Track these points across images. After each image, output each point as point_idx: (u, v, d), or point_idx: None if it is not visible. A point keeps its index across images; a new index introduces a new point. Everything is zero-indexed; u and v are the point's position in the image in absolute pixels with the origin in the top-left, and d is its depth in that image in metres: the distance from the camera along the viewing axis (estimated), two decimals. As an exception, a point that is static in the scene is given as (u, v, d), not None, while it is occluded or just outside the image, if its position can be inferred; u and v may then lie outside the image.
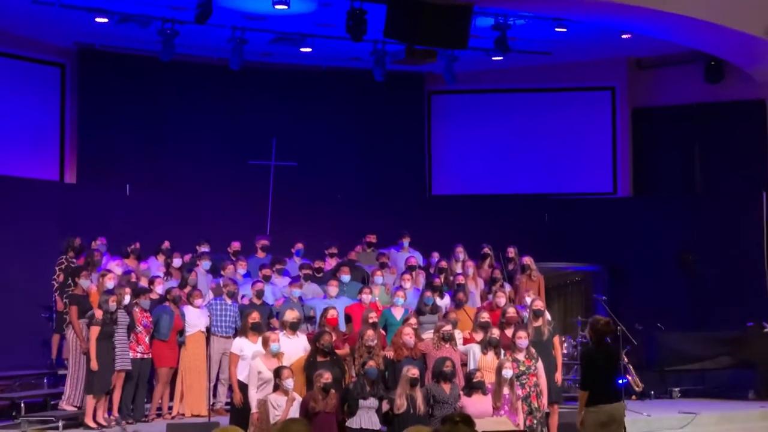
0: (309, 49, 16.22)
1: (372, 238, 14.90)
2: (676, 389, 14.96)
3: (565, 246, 16.86)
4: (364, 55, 16.01)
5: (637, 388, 14.40)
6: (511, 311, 11.91)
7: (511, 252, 14.47)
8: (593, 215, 17.41)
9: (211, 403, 12.39)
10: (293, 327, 11.23)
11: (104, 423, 11.76)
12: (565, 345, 15.08)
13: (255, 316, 11.47)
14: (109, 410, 12.01)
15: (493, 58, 16.53)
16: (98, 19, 14.55)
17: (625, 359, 14.03)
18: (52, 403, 12.68)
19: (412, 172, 18.20)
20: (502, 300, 12.61)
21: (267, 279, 13.24)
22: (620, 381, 12.92)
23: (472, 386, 10.45)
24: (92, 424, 11.63)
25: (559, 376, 11.79)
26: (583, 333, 14.88)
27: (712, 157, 17.59)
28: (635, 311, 15.88)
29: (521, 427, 10.41)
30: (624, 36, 16.25)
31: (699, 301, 16.84)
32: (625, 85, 18.06)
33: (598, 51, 17.22)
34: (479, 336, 11.59)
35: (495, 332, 11.27)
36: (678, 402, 14.41)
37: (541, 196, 18.10)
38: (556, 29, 15.49)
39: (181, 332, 12.55)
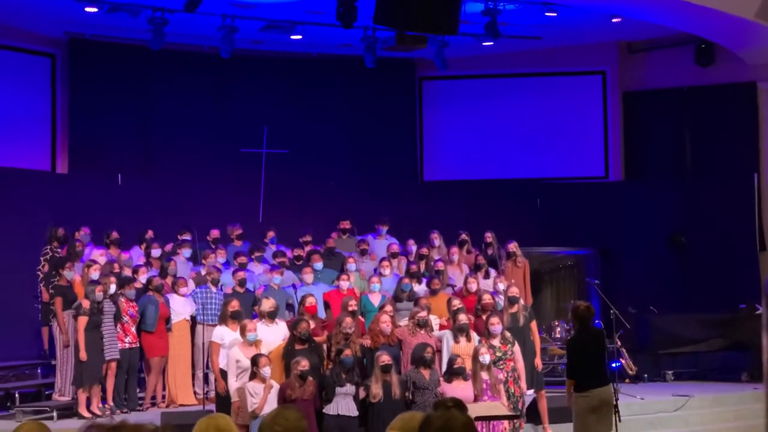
0: (299, 37, 16.19)
1: (346, 224, 14.95)
2: (670, 372, 15.02)
3: (558, 230, 16.89)
4: (354, 42, 15.99)
5: (630, 372, 14.46)
6: (487, 297, 11.92)
7: (489, 237, 14.52)
8: (585, 199, 17.43)
9: (204, 391, 12.43)
10: (271, 316, 11.26)
11: (99, 413, 11.79)
12: (558, 329, 15.16)
13: (234, 305, 11.49)
14: (103, 400, 12.04)
15: (484, 44, 16.51)
16: (88, 9, 14.51)
17: (618, 343, 14.10)
18: (47, 393, 12.73)
19: (404, 158, 18.20)
20: (473, 286, 12.62)
21: (243, 266, 13.23)
22: (613, 365, 13.04)
23: (453, 372, 10.46)
24: (86, 414, 11.67)
25: (538, 362, 11.80)
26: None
27: (703, 139, 17.61)
28: (628, 295, 15.93)
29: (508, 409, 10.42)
30: (614, 20, 16.23)
31: (691, 283, 16.89)
32: (616, 69, 18.06)
33: (588, 35, 17.21)
34: (453, 322, 11.60)
35: (462, 318, 11.26)
36: (671, 385, 14.48)
37: (533, 180, 18.11)
38: (546, 14, 15.46)
39: (168, 320, 12.57)
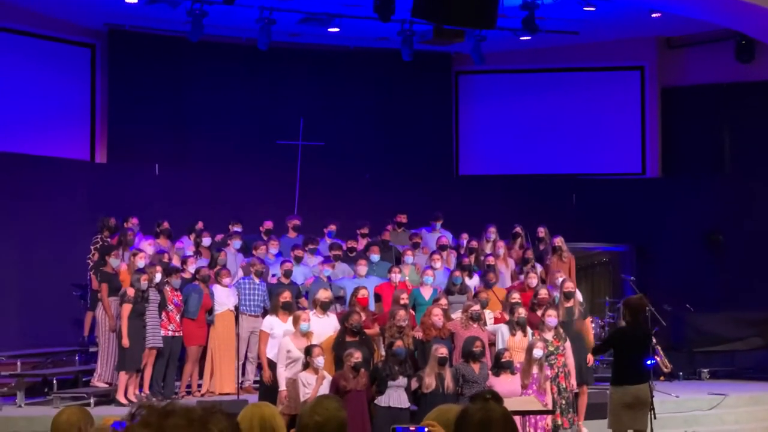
0: (337, 29, 16.22)
1: (402, 218, 14.94)
2: (705, 370, 14.91)
3: (593, 226, 16.82)
4: (391, 35, 15.97)
5: (665, 369, 14.34)
6: (543, 292, 11.90)
7: (542, 232, 14.46)
8: (621, 195, 17.34)
9: (239, 381, 12.50)
10: (324, 306, 11.30)
11: (135, 400, 11.89)
12: (593, 326, 15.08)
13: (286, 296, 11.53)
14: (140, 387, 12.15)
15: (521, 38, 16.44)
16: (128, 0, 14.62)
17: (654, 340, 14.00)
18: (84, 379, 12.85)
19: (440, 152, 18.18)
20: (533, 281, 12.60)
21: (299, 260, 13.29)
22: (648, 362, 12.96)
23: (501, 366, 10.48)
24: (123, 401, 11.78)
25: (590, 358, 11.78)
26: (611, 314, 14.88)
27: (742, 137, 17.45)
28: (664, 292, 15.82)
29: (549, 408, 10.42)
30: (653, 15, 16.12)
31: (728, 281, 16.75)
32: (655, 65, 17.92)
33: (627, 30, 17.10)
34: (510, 316, 11.61)
35: (521, 312, 11.27)
36: (707, 383, 14.37)
37: (569, 176, 18.04)
38: (585, 8, 15.39)
39: (210, 311, 12.65)
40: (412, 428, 3.99)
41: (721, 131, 17.62)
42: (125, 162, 16.27)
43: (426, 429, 3.90)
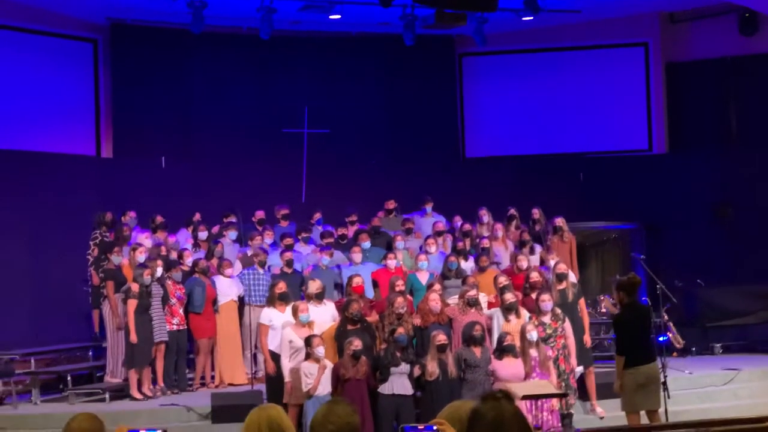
0: (338, 16, 16.19)
1: (391, 204, 14.93)
2: (718, 345, 14.90)
3: (601, 205, 16.77)
4: (393, 20, 15.92)
5: (678, 345, 14.35)
6: (535, 275, 11.85)
7: (536, 213, 14.42)
8: (629, 173, 17.30)
9: (253, 371, 12.55)
10: (318, 297, 11.32)
11: (150, 394, 11.96)
12: (604, 303, 15.07)
13: (282, 286, 11.54)
14: (154, 381, 12.20)
15: (524, 18, 16.38)
16: (128, -6, 14.62)
17: (665, 317, 14.00)
18: (98, 375, 12.91)
19: (446, 136, 18.15)
20: (524, 263, 12.53)
21: (289, 248, 13.27)
22: (661, 338, 12.96)
23: (504, 349, 10.45)
24: (138, 396, 11.84)
25: (587, 338, 11.77)
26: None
27: (748, 110, 17.37)
28: (674, 268, 15.77)
29: (557, 387, 10.42)
30: (656, -10, 16.06)
31: (738, 255, 16.71)
32: (658, 41, 17.84)
33: (629, 6, 17.01)
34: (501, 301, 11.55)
35: (509, 297, 11.21)
36: (720, 358, 14.37)
37: (576, 155, 17.99)
38: (587, -14, 15.33)
39: (215, 302, 12.69)
40: (420, 427, 3.99)
41: (726, 105, 17.55)
42: (131, 156, 16.28)
43: (435, 428, 3.90)
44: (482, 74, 18.45)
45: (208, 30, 15.27)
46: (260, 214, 14.38)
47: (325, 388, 10.15)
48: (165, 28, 16.34)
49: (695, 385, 12.61)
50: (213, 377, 12.87)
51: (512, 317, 11.11)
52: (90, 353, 13.76)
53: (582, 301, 11.94)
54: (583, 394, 11.64)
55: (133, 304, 11.83)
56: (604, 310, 14.81)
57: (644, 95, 17.96)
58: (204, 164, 16.61)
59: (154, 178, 15.98)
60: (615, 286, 10.01)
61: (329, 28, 17.11)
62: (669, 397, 10.15)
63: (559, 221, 13.99)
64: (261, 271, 12.86)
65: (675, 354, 14.19)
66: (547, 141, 18.09)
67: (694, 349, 14.72)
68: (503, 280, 11.67)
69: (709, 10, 17.24)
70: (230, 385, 12.64)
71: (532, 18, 16.18)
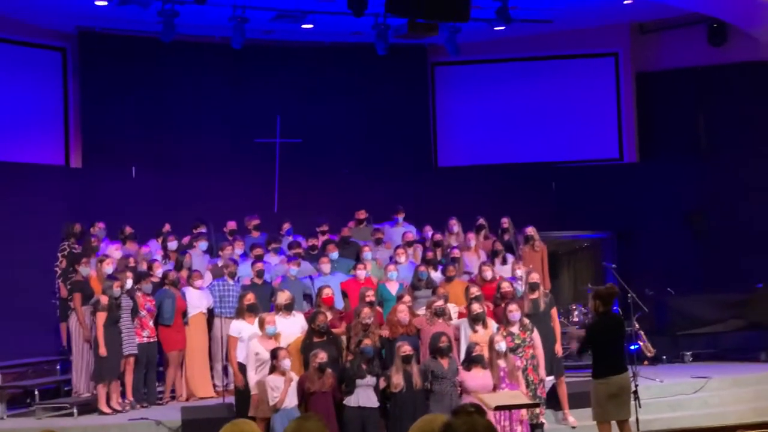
0: (310, 26, 16.16)
1: (361, 215, 14.90)
2: (688, 353, 14.97)
3: (573, 214, 16.87)
4: (366, 30, 15.92)
5: (649, 354, 14.41)
6: (506, 285, 11.86)
7: (505, 223, 14.44)
8: (600, 182, 17.40)
9: (224, 383, 12.46)
10: (287, 308, 11.26)
11: (119, 408, 11.82)
12: (576, 313, 15.12)
13: (250, 298, 11.46)
14: (123, 395, 12.07)
15: (495, 28, 16.44)
16: (98, 2, 14.53)
17: (637, 325, 14.06)
18: (66, 389, 12.75)
19: (418, 145, 18.16)
20: (488, 274, 12.52)
21: (259, 258, 13.21)
22: (632, 347, 13.00)
23: (472, 360, 10.42)
24: (106, 410, 11.70)
25: (559, 348, 11.78)
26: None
27: (717, 119, 17.52)
28: (645, 276, 15.86)
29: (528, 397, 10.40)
30: (626, 1, 16.15)
31: (708, 264, 16.84)
32: (628, 50, 17.96)
33: (600, 17, 17.12)
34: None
35: (476, 307, 11.20)
36: (690, 366, 14.44)
37: (548, 164, 18.07)
38: (558, -3, 15.41)
39: (185, 313, 12.59)
40: None
41: (696, 114, 17.68)
42: (101, 166, 16.16)
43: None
44: (454, 83, 18.49)
45: (179, 39, 15.19)
46: (232, 225, 14.32)
47: (291, 401, 10.07)
48: (135, 37, 16.24)
49: (666, 394, 12.65)
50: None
51: (479, 327, 11.10)
52: (58, 367, 13.58)
53: (554, 311, 11.94)
54: (555, 404, 11.65)
55: (102, 316, 11.69)
56: (576, 319, 14.86)
57: (615, 104, 18.07)
58: (175, 174, 16.51)
59: (124, 189, 15.86)
60: (592, 295, 10.02)
61: (302, 38, 17.09)
62: (640, 407, 10.18)
63: (530, 230, 14.03)
64: (231, 282, 12.79)
65: (646, 362, 14.25)
66: (519, 150, 18.15)
67: (664, 357, 14.79)
68: (475, 290, 11.66)
69: (679, 20, 17.37)
70: (200, 398, 12.52)
71: (504, 28, 16.23)
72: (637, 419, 10.09)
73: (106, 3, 14.49)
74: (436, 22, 13.86)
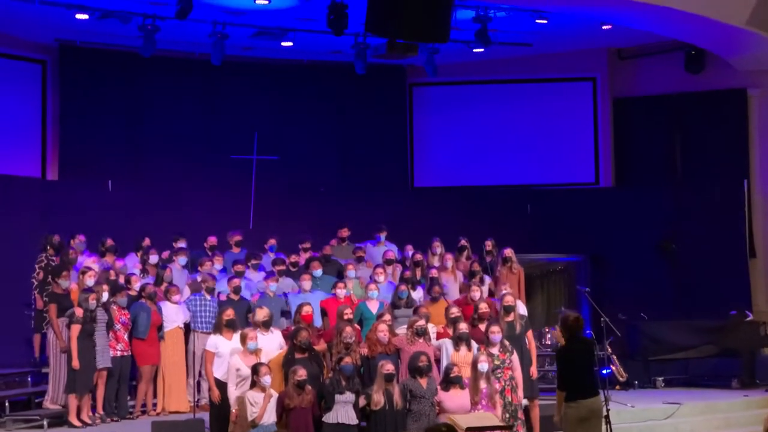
0: (290, 43, 16.21)
1: (344, 233, 14.89)
2: (660, 378, 15.01)
3: (548, 236, 16.91)
4: (345, 49, 15.99)
5: (621, 378, 14.45)
6: (483, 306, 11.84)
7: (489, 245, 14.47)
8: (575, 205, 17.45)
9: (196, 399, 12.40)
10: (265, 325, 11.24)
11: (89, 421, 11.75)
12: (549, 336, 15.14)
13: (229, 313, 11.41)
14: (93, 408, 12.00)
15: (475, 50, 16.56)
16: (78, 16, 14.49)
17: (609, 349, 14.10)
18: (37, 401, 12.65)
19: (395, 165, 18.20)
20: (476, 294, 12.51)
21: (240, 274, 13.18)
22: (604, 371, 13.03)
23: (450, 381, 10.42)
24: (76, 423, 11.63)
25: (534, 370, 11.78)
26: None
27: (694, 146, 17.66)
28: (618, 301, 15.95)
29: (501, 420, 10.41)
30: (604, 27, 16.28)
31: (682, 290, 16.92)
32: (606, 76, 18.10)
33: (578, 42, 17.25)
34: (452, 330, 11.55)
35: (463, 327, 11.23)
36: (662, 392, 14.46)
37: (524, 186, 18.15)
38: (537, 21, 15.51)
39: (160, 328, 12.54)
40: None
41: (672, 141, 17.82)
42: (77, 179, 16.10)
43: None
44: (432, 104, 18.56)
45: (159, 54, 15.20)
46: (212, 240, 14.27)
47: (270, 416, 10.06)
48: (115, 51, 16.23)
49: (637, 419, 12.69)
50: (155, 405, 12.67)
51: (463, 347, 11.11)
52: (29, 378, 13.46)
53: (530, 333, 11.95)
54: (528, 427, 11.64)
55: (76, 329, 11.63)
56: (549, 342, 14.89)
57: (592, 129, 18.19)
58: (151, 188, 16.46)
59: (100, 202, 15.78)
60: (560, 320, 10.03)
61: (281, 56, 17.12)
62: (611, 431, 10.19)
63: (508, 252, 14.03)
64: (208, 297, 12.75)
65: (618, 387, 14.28)
66: (495, 172, 18.22)
67: (636, 382, 14.81)
68: (455, 311, 11.67)
69: (657, 47, 17.53)
70: (171, 413, 12.46)
71: (483, 50, 16.35)
72: (607, 443, 10.10)
73: (87, 17, 14.47)
74: (415, 42, 13.91)
